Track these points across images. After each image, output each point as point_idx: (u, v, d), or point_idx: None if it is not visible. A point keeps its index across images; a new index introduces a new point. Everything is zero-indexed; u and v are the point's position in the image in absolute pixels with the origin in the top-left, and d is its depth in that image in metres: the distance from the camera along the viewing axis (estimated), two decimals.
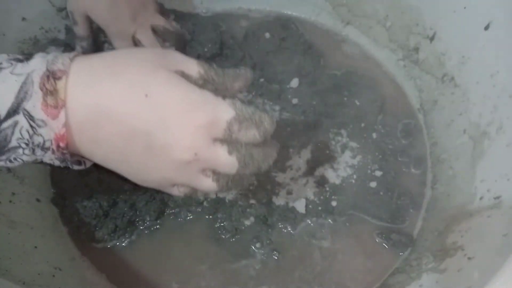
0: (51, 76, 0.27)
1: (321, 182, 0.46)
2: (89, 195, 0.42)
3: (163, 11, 0.52)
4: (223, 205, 0.43)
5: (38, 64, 0.28)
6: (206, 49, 0.51)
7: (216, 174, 0.32)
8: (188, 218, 0.43)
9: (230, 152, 0.30)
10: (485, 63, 0.42)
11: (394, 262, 0.42)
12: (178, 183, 0.33)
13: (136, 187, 0.42)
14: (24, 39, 0.46)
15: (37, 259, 0.37)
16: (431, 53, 0.49)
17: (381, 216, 0.44)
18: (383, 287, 0.41)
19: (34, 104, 0.27)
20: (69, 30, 0.48)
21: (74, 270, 0.40)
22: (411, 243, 0.43)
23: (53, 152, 0.29)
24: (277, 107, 0.50)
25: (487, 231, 0.35)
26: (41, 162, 0.30)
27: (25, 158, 0.29)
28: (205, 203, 0.44)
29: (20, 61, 0.28)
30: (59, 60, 0.28)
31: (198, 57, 0.50)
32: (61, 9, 0.48)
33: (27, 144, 0.28)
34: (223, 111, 0.29)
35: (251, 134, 0.30)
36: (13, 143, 0.28)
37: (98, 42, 0.48)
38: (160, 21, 0.48)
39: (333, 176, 0.46)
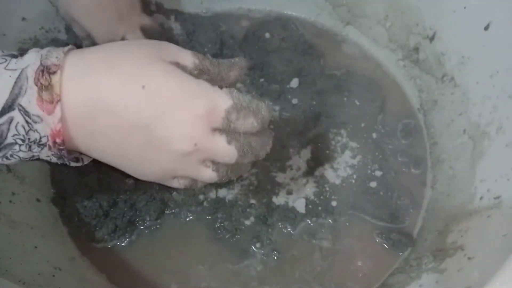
0: (46, 70, 0.27)
1: (321, 182, 0.46)
2: (89, 195, 0.42)
3: (163, 11, 0.52)
4: (223, 205, 0.43)
5: (32, 59, 0.28)
6: (206, 49, 0.52)
7: (216, 164, 0.32)
8: (188, 218, 0.43)
9: (229, 142, 0.30)
10: (485, 63, 0.42)
11: (394, 262, 0.42)
12: (178, 175, 0.32)
13: (136, 187, 0.42)
14: (24, 39, 0.46)
15: (37, 259, 0.37)
16: (431, 53, 0.49)
17: (381, 216, 0.44)
18: (383, 287, 0.41)
19: (29, 99, 0.27)
20: (69, 30, 0.48)
21: (74, 270, 0.40)
22: (411, 243, 0.43)
23: (49, 148, 0.28)
24: (277, 107, 0.50)
25: (487, 231, 0.35)
26: (38, 159, 0.30)
27: (21, 154, 0.28)
28: (205, 203, 0.43)
29: (15, 56, 0.28)
30: (53, 54, 0.28)
31: None
32: None
33: (23, 141, 0.27)
34: (221, 100, 0.29)
35: (249, 122, 0.30)
36: (9, 139, 0.27)
37: None
38: (147, 21, 0.47)
39: (333, 176, 0.46)
